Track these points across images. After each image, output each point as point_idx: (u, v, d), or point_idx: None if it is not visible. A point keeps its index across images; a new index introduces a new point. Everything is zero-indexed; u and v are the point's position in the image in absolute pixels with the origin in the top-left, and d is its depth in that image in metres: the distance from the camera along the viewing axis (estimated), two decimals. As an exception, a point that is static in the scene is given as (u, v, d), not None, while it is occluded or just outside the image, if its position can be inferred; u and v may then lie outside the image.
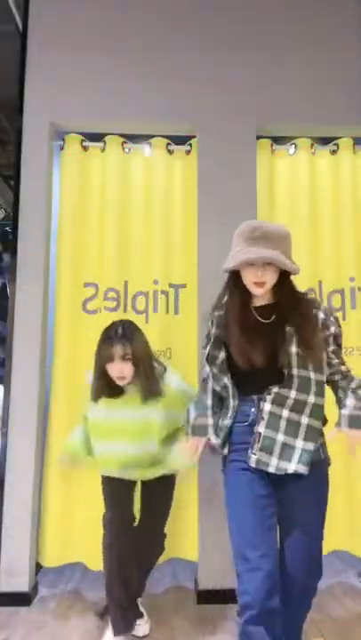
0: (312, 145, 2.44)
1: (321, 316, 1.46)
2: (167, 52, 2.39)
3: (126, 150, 2.42)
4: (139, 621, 1.82)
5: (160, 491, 1.88)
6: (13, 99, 2.36)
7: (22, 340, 2.20)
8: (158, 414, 1.75)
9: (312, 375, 1.41)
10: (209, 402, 1.55)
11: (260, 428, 1.39)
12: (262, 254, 1.35)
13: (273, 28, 2.43)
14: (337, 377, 1.51)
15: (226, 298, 1.52)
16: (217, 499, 1.95)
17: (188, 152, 2.43)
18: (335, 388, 1.53)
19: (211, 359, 1.53)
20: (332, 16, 2.46)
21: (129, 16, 2.41)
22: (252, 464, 1.38)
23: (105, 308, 2.27)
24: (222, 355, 1.50)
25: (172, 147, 2.43)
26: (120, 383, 1.75)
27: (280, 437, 1.38)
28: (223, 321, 1.49)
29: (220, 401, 1.56)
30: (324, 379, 1.46)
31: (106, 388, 1.78)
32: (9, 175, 4.96)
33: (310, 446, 1.38)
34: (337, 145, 2.45)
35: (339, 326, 1.52)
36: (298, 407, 1.40)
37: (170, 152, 2.43)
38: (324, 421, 1.47)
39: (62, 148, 2.41)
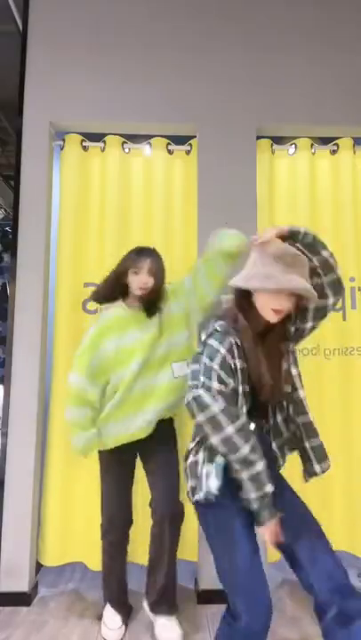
0: (312, 145, 2.44)
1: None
2: (167, 52, 2.40)
3: (126, 150, 2.42)
4: (171, 620, 1.85)
5: (163, 442, 1.88)
6: (13, 99, 2.36)
7: (22, 340, 2.20)
8: (166, 376, 1.80)
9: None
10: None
11: None
12: (307, 286, 1.30)
13: (273, 28, 2.43)
14: None
15: (236, 321, 1.39)
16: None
17: (188, 152, 2.43)
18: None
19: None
20: (332, 16, 2.46)
21: (129, 16, 2.41)
22: None
23: (105, 307, 2.27)
24: (232, 383, 1.34)
25: (172, 147, 2.43)
26: (138, 293, 1.82)
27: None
28: (240, 349, 1.36)
29: None
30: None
31: (110, 295, 1.89)
32: (9, 175, 4.97)
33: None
34: (337, 145, 2.45)
35: None
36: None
37: (170, 152, 2.43)
38: None
39: (62, 148, 2.41)
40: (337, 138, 2.45)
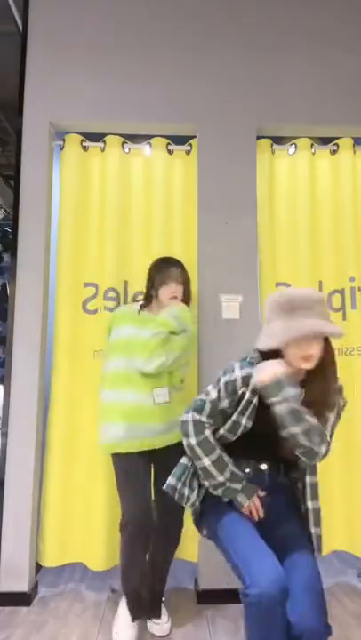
0: (312, 145, 2.44)
1: (341, 403, 1.44)
2: (167, 52, 2.40)
3: (126, 150, 2.42)
4: (157, 621, 1.86)
5: (175, 459, 1.86)
6: (13, 99, 2.36)
7: (22, 340, 2.20)
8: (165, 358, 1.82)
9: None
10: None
11: None
12: (323, 326, 1.30)
13: (273, 28, 2.43)
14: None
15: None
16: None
17: (188, 152, 2.43)
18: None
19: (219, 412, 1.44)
20: (332, 16, 2.46)
21: (129, 16, 2.41)
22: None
23: (105, 307, 2.27)
24: (227, 405, 1.44)
25: (172, 147, 2.43)
26: (170, 303, 1.92)
27: None
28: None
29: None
30: None
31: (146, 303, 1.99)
32: (9, 175, 4.97)
33: None
34: (337, 145, 2.45)
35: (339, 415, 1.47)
36: None
37: (170, 152, 2.43)
38: None
39: (62, 148, 2.41)
40: (337, 138, 2.45)
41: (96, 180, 2.41)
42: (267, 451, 1.48)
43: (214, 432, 1.46)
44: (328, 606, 1.25)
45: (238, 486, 1.42)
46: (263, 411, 1.37)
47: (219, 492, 1.43)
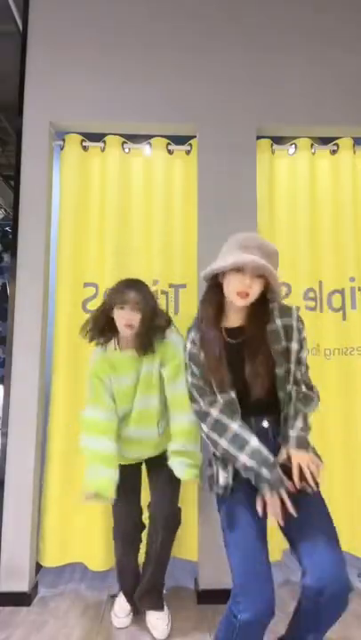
0: (312, 145, 2.44)
1: (293, 324, 1.47)
2: (167, 52, 2.40)
3: (126, 150, 2.42)
4: (156, 622, 1.87)
5: (167, 466, 1.85)
6: (13, 99, 2.36)
7: (22, 340, 2.20)
8: (156, 400, 1.81)
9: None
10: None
11: None
12: (261, 262, 1.36)
13: (273, 28, 2.43)
14: (294, 393, 1.48)
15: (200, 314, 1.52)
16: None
17: (188, 152, 2.43)
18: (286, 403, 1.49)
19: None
20: (332, 16, 2.46)
21: (129, 16, 2.41)
22: None
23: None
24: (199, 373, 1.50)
25: (172, 147, 2.43)
26: (125, 333, 1.72)
27: None
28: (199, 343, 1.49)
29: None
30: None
31: (100, 333, 1.78)
32: (9, 175, 4.97)
33: None
34: (337, 145, 2.45)
35: (303, 339, 1.50)
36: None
37: (170, 152, 2.43)
38: None
39: (62, 148, 2.41)
40: (337, 138, 2.45)
41: (96, 180, 2.41)
42: (259, 404, 1.45)
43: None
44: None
45: (267, 473, 1.34)
46: (231, 354, 1.44)
47: (250, 476, 1.37)
